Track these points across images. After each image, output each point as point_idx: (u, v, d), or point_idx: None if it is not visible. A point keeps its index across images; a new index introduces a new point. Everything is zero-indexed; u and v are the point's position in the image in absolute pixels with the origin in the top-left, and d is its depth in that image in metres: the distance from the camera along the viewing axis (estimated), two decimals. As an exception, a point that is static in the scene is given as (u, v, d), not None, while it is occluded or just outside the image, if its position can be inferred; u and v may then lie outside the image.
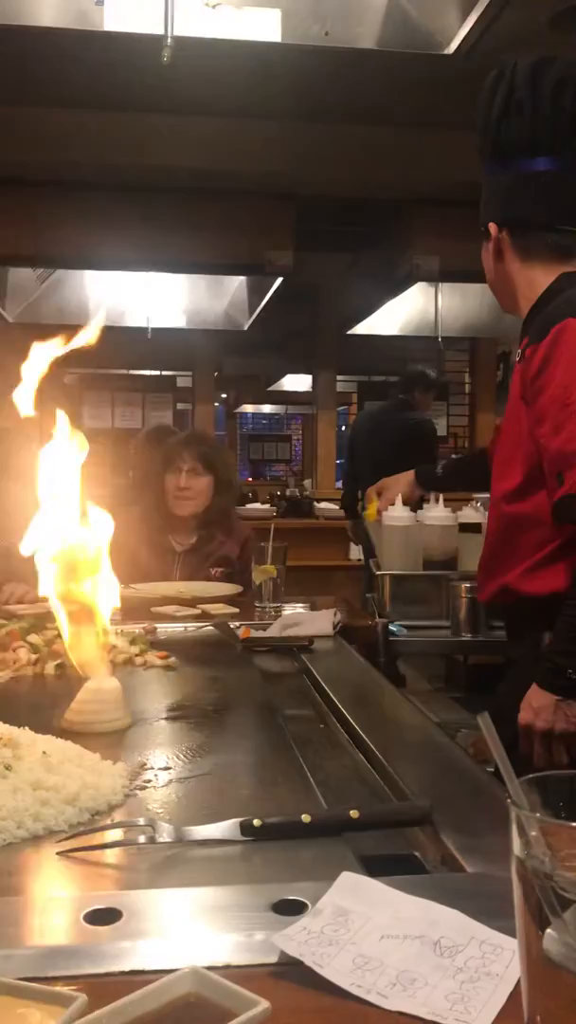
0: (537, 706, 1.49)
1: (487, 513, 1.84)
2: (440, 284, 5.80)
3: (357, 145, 4.03)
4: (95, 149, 3.94)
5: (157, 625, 2.13)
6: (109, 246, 4.46)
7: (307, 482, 7.98)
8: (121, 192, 4.35)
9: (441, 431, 7.14)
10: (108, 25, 2.38)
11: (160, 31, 2.27)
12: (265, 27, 2.34)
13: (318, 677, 1.68)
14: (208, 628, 2.12)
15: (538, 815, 0.57)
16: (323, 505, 6.73)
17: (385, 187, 4.41)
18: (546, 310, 1.60)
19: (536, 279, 1.67)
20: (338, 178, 4.28)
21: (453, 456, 2.70)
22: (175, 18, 2.24)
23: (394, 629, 2.16)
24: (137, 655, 1.80)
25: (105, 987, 0.66)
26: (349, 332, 6.66)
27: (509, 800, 0.58)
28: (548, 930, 0.55)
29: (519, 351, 1.69)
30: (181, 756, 1.24)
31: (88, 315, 5.71)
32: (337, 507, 6.53)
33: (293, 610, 2.32)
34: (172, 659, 1.80)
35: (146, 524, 2.77)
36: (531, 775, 0.61)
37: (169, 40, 2.25)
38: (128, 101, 3.61)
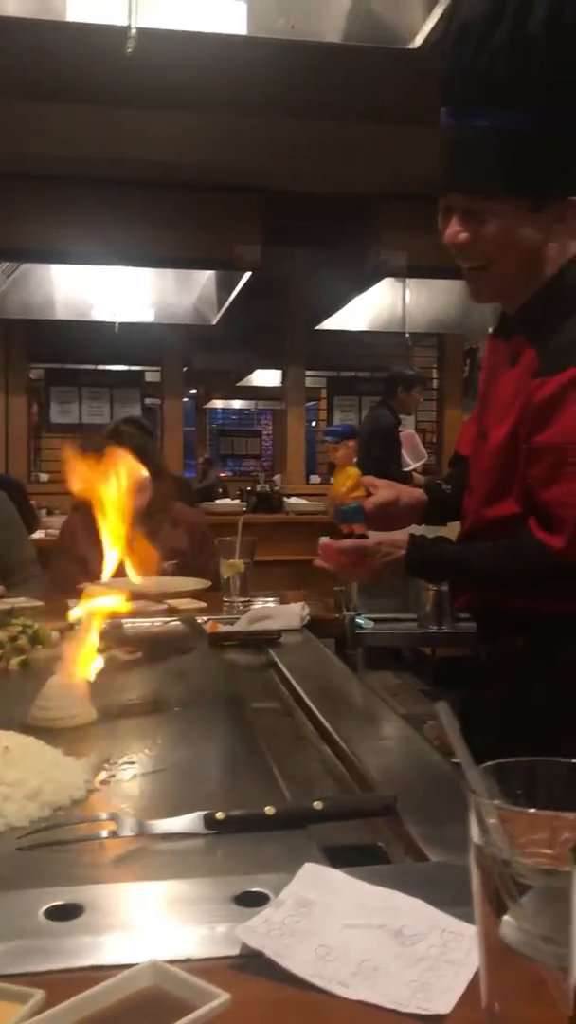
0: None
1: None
2: (407, 280, 5.83)
3: (325, 140, 4.03)
4: (60, 141, 3.91)
5: (124, 620, 2.12)
6: (75, 240, 4.43)
7: (277, 477, 7.99)
8: (87, 185, 4.32)
9: (410, 427, 7.18)
10: (71, 15, 2.36)
11: (124, 22, 2.25)
12: (230, 20, 2.33)
13: (285, 671, 1.67)
14: (175, 623, 2.11)
15: (496, 803, 0.57)
16: (293, 500, 6.74)
17: (352, 182, 4.42)
18: (567, 330, 1.40)
19: (566, 252, 1.46)
20: (306, 173, 4.28)
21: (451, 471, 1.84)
22: (139, 9, 2.22)
23: (361, 622, 2.16)
24: (103, 649, 1.78)
25: (65, 983, 0.65)
26: (318, 327, 6.67)
27: (467, 788, 0.58)
28: (505, 917, 0.55)
29: (512, 353, 1.49)
30: (146, 750, 1.24)
31: (54, 310, 5.67)
32: (307, 502, 6.54)
33: (263, 604, 2.31)
34: (138, 654, 1.79)
35: (91, 526, 2.72)
36: (490, 763, 0.61)
37: (133, 31, 2.23)
38: (93, 93, 3.58)
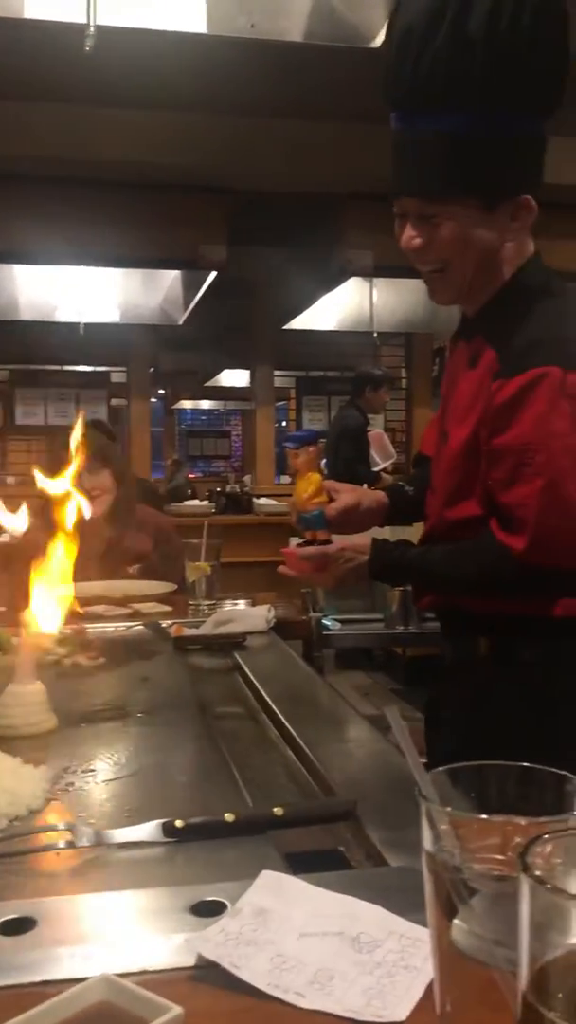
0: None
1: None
2: (375, 279, 5.85)
3: (289, 139, 4.02)
4: (20, 140, 3.87)
5: (87, 625, 2.10)
6: (38, 240, 4.38)
7: (247, 478, 7.97)
8: (50, 185, 4.27)
9: (379, 426, 7.20)
10: (28, 12, 2.33)
11: (82, 20, 2.23)
12: (190, 18, 2.32)
13: (250, 674, 1.67)
14: (139, 627, 2.10)
15: (448, 809, 0.57)
16: (263, 501, 6.73)
17: (317, 181, 4.42)
18: (526, 331, 1.40)
19: (524, 251, 1.47)
20: (270, 172, 4.27)
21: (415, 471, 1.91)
22: (97, 7, 2.20)
23: (328, 623, 2.16)
24: (65, 656, 1.77)
25: (16, 999, 0.64)
26: (285, 327, 6.67)
27: (419, 794, 0.58)
28: (456, 921, 0.55)
29: (472, 354, 1.48)
30: (107, 758, 1.22)
31: (19, 310, 5.61)
32: (276, 503, 6.54)
33: (233, 606, 2.30)
34: (101, 660, 1.77)
35: (54, 531, 2.68)
36: (442, 768, 0.60)
37: (91, 29, 2.21)
38: (54, 91, 3.55)
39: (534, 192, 1.43)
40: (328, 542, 1.59)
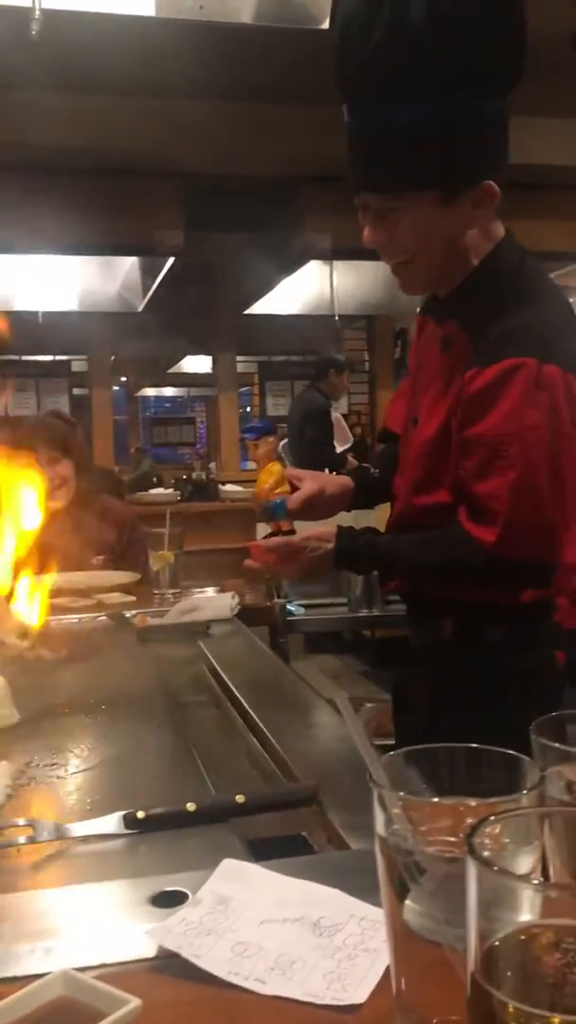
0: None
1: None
2: (335, 262, 5.83)
3: (242, 122, 3.98)
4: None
5: (50, 617, 2.08)
6: (-8, 228, 4.31)
7: (212, 464, 7.94)
8: (1, 172, 4.20)
9: (343, 409, 7.21)
10: (-28, -4, 2.29)
11: (28, 3, 2.19)
12: (137, 0, 2.28)
13: (215, 662, 1.67)
14: (103, 619, 2.09)
15: (400, 793, 0.57)
16: (228, 487, 6.71)
17: (273, 165, 4.38)
18: (501, 319, 1.37)
19: (492, 235, 1.45)
20: (225, 156, 4.23)
21: (381, 448, 1.92)
22: (42, -11, 2.16)
23: (292, 609, 2.16)
24: (28, 649, 1.75)
25: (-25, 998, 0.63)
26: (247, 312, 6.63)
27: (370, 779, 0.58)
28: (408, 902, 0.55)
29: (444, 336, 1.47)
30: (70, 751, 1.22)
31: (-25, 300, 5.53)
32: (242, 489, 6.53)
33: (199, 594, 2.30)
34: (65, 652, 1.76)
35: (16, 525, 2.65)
36: (394, 752, 0.61)
37: (37, 13, 2.17)
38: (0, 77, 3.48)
39: (499, 176, 1.39)
40: (292, 532, 1.58)
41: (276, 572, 1.70)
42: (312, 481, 1.66)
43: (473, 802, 0.56)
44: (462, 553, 1.39)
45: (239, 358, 7.84)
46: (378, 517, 1.68)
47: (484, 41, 1.31)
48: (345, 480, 1.73)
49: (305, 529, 1.57)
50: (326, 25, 2.49)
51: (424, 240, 1.40)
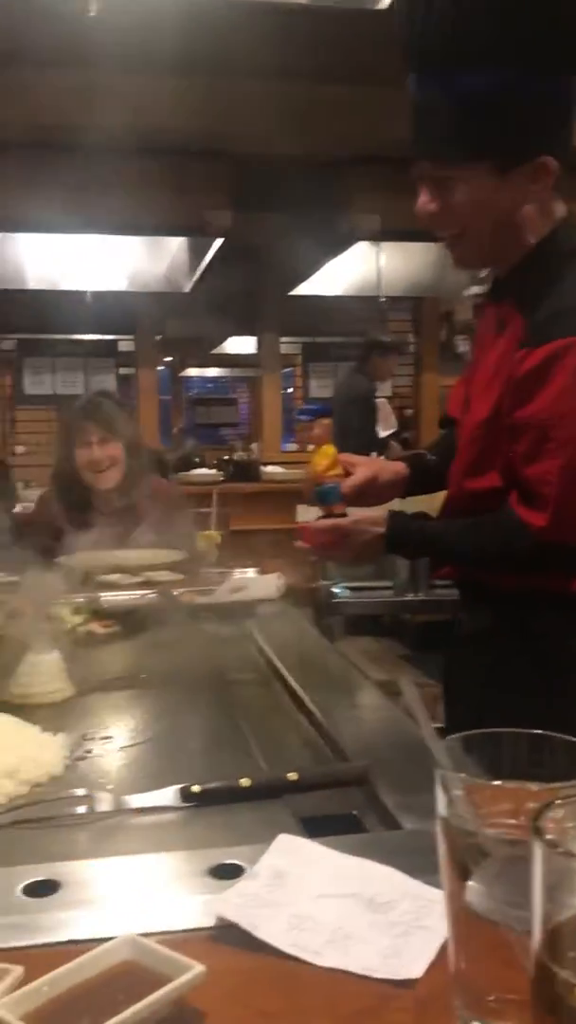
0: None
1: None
2: (382, 243, 5.79)
3: (293, 102, 3.96)
4: (22, 107, 3.82)
5: (101, 594, 2.12)
6: (42, 208, 4.35)
7: (254, 445, 7.96)
8: (53, 152, 4.23)
9: (386, 392, 7.17)
10: (31, -24, 2.30)
11: (86, -17, 2.20)
12: (194, -21, 2.28)
13: (262, 642, 1.69)
14: (152, 596, 2.12)
15: (462, 775, 0.58)
16: (270, 468, 6.73)
17: (323, 145, 4.36)
18: (554, 300, 1.35)
19: (551, 215, 1.43)
20: (276, 136, 4.21)
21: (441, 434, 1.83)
22: (100, -31, 2.17)
23: (337, 591, 2.17)
24: (80, 625, 1.79)
25: (43, 958, 0.66)
26: (292, 293, 6.62)
27: (433, 761, 0.59)
28: (470, 883, 0.56)
29: (499, 319, 1.46)
30: (123, 725, 1.25)
31: (25, 279, 5.59)
32: (284, 470, 6.54)
33: (240, 574, 2.32)
34: (116, 628, 1.80)
35: (66, 503, 2.69)
36: (455, 735, 0.62)
37: (95, -8, 2.18)
38: (55, 56, 3.49)
39: (559, 153, 1.38)
40: (343, 516, 1.57)
41: (326, 555, 1.70)
42: (366, 467, 1.64)
43: (535, 786, 0.57)
44: (511, 537, 1.38)
45: (283, 339, 7.83)
46: (425, 503, 1.67)
47: (549, 15, 1.31)
48: (399, 467, 1.71)
49: (356, 512, 1.57)
50: (382, 4, 2.48)
51: (476, 211, 1.40)
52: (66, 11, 2.44)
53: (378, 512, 1.55)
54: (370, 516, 1.55)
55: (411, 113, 1.41)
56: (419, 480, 1.70)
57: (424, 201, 1.42)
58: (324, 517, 1.55)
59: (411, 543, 1.55)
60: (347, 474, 1.60)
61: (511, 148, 1.37)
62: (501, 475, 1.42)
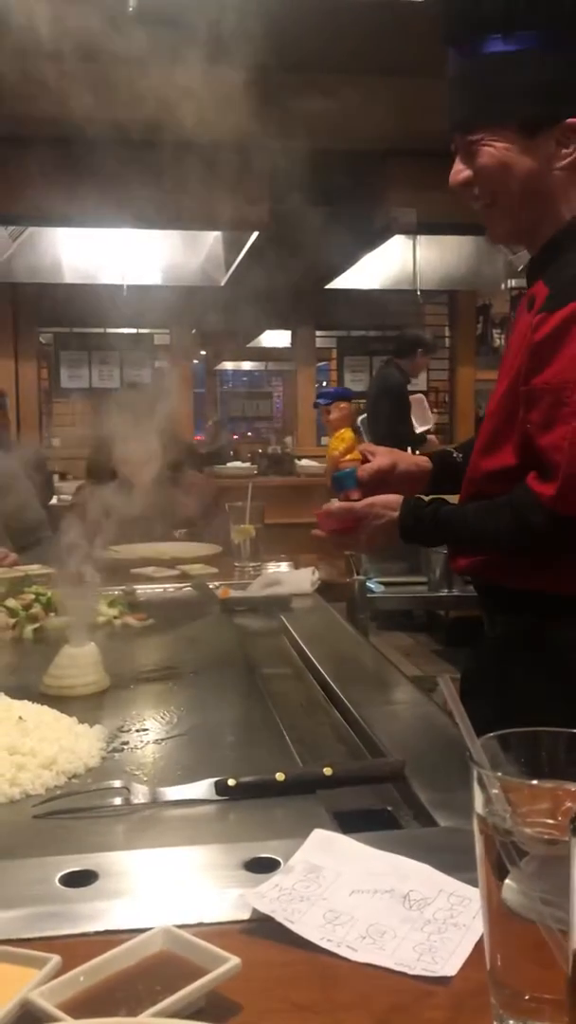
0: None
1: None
2: (418, 236, 5.76)
3: (330, 95, 3.95)
4: (59, 103, 3.84)
5: (136, 587, 2.14)
6: (79, 202, 4.38)
7: (288, 439, 7.96)
8: (88, 146, 4.25)
9: (421, 386, 7.13)
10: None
11: (125, -22, 2.20)
12: (232, -27, 2.28)
13: (296, 636, 1.69)
14: (187, 589, 2.13)
15: (499, 773, 0.58)
16: (304, 462, 6.72)
17: (360, 138, 4.34)
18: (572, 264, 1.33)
19: None
20: (311, 129, 4.20)
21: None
22: (139, -36, 2.17)
23: (371, 586, 2.17)
24: (116, 617, 1.80)
25: (80, 947, 0.67)
26: (328, 287, 6.61)
27: (470, 759, 0.59)
28: (507, 881, 0.56)
29: (531, 296, 1.42)
30: (159, 717, 1.26)
31: (62, 273, 5.64)
32: (318, 464, 6.53)
33: (275, 568, 2.32)
34: (151, 621, 1.81)
35: (101, 496, 2.70)
36: (493, 733, 0.62)
37: (134, -12, 2.18)
38: (93, 51, 3.51)
39: None
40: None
41: (340, 541, 1.66)
42: (385, 456, 1.62)
43: (573, 786, 0.57)
44: (524, 513, 1.33)
45: (318, 333, 7.81)
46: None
47: None
48: (422, 460, 1.68)
49: (370, 496, 1.53)
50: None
51: (505, 174, 1.38)
52: (106, 6, 2.44)
53: (393, 496, 1.50)
54: (384, 499, 1.50)
55: (447, 89, 1.42)
56: (443, 477, 1.66)
57: (457, 170, 1.42)
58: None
59: (425, 527, 1.49)
60: (365, 461, 1.58)
61: (536, 110, 1.36)
62: (515, 452, 1.37)
